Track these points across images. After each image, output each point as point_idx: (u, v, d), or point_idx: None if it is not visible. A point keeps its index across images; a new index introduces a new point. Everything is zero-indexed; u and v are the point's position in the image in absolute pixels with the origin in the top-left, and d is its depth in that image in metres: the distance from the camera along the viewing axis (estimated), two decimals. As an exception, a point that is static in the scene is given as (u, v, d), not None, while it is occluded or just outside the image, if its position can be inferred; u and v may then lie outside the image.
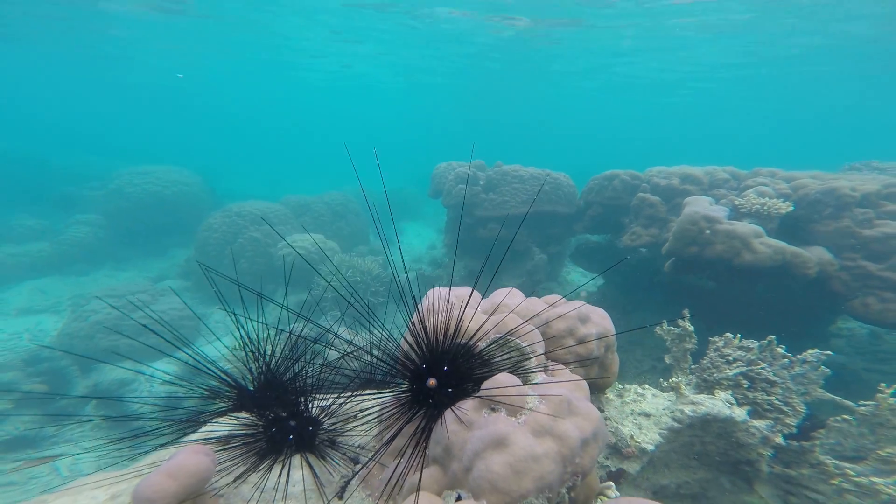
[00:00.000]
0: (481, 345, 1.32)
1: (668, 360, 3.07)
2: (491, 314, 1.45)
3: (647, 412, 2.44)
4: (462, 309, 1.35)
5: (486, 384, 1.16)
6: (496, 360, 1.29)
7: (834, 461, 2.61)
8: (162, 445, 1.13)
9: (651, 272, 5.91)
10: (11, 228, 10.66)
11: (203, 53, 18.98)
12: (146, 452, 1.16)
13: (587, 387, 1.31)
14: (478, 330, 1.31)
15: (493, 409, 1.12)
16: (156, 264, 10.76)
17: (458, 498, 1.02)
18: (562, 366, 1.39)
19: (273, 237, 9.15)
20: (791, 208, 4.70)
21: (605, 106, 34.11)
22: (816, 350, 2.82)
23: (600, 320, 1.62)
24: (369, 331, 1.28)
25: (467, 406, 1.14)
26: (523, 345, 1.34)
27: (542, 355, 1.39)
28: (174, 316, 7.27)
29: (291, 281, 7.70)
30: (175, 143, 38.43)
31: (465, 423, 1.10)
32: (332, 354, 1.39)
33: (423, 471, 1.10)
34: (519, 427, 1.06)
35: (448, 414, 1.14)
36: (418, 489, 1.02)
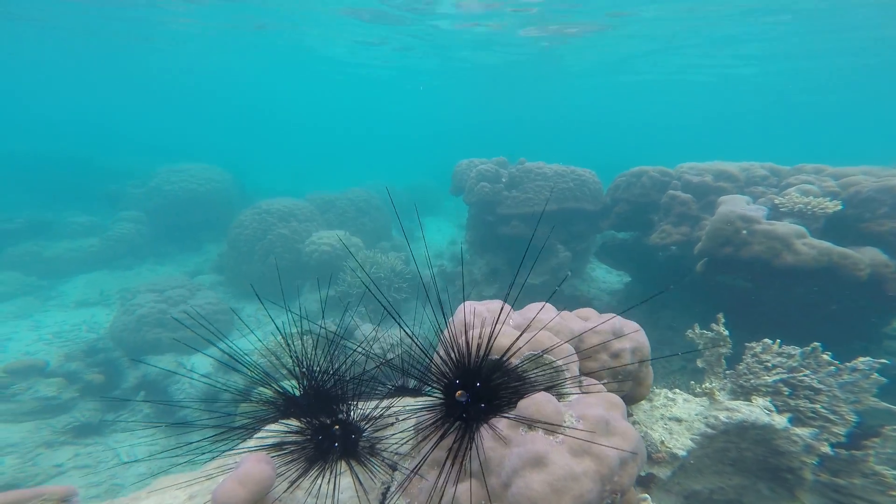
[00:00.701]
0: (514, 361, 1.34)
1: (700, 363, 2.99)
2: (523, 330, 1.48)
3: (678, 417, 2.40)
4: (494, 325, 1.38)
5: (522, 403, 1.19)
6: (530, 376, 1.31)
7: (893, 472, 2.48)
8: (225, 451, 1.23)
9: (681, 271, 5.72)
10: (66, 225, 11.52)
11: (227, 54, 19.58)
12: (204, 454, 1.27)
13: (623, 404, 1.31)
14: (511, 346, 1.34)
15: (530, 427, 1.15)
16: (192, 259, 11.36)
17: (498, 512, 1.06)
18: (596, 382, 1.40)
19: (300, 233, 9.44)
20: (839, 207, 4.40)
21: (632, 101, 32.70)
22: (869, 358, 2.67)
23: (634, 334, 1.61)
24: (400, 328, 1.32)
25: (504, 424, 1.17)
26: (557, 361, 1.35)
27: (577, 371, 1.40)
28: (210, 310, 7.68)
29: (319, 277, 7.95)
30: (204, 138, 40.01)
31: (502, 440, 1.14)
32: (367, 362, 1.46)
33: (461, 484, 1.15)
34: (557, 446, 1.09)
35: (485, 430, 1.18)
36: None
